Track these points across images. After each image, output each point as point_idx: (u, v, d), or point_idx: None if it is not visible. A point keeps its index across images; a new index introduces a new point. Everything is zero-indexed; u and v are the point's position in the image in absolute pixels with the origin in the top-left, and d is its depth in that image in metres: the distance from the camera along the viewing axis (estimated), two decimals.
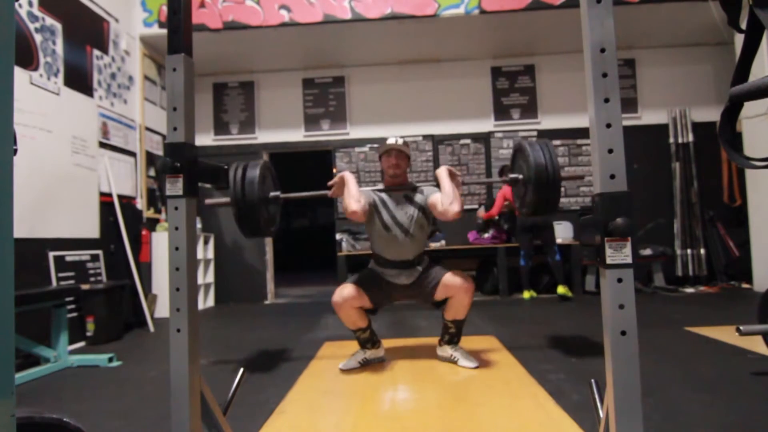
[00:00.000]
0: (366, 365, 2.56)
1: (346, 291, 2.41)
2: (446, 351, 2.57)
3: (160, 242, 4.73)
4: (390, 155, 2.50)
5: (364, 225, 2.58)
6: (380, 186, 2.57)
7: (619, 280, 0.94)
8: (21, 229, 3.14)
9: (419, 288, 2.54)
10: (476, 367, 2.42)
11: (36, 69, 3.40)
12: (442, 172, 2.38)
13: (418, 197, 2.53)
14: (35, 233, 3.29)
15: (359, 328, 2.51)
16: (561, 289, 4.86)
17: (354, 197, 2.32)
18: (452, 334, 2.55)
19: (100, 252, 3.98)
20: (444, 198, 2.31)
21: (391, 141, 2.53)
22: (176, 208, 1.19)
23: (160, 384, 2.43)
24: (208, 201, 2.54)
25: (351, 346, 3.08)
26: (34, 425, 0.85)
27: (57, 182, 3.53)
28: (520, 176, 2.32)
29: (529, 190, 2.21)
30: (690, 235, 5.60)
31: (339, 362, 2.58)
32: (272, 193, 2.40)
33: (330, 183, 2.46)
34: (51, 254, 3.40)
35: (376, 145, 5.62)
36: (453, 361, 2.52)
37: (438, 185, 2.41)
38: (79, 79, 3.90)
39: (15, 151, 0.66)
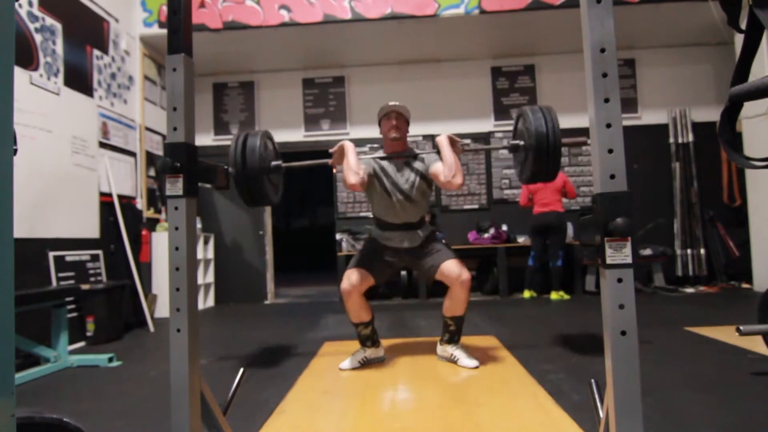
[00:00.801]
0: (366, 365, 2.56)
1: (353, 277, 2.42)
2: (446, 350, 2.57)
3: (160, 242, 4.73)
4: (390, 118, 2.49)
5: (365, 192, 2.57)
6: (381, 153, 2.56)
7: (619, 280, 0.94)
8: (21, 229, 3.14)
9: (419, 260, 2.52)
10: (476, 367, 2.41)
11: (36, 69, 3.39)
12: (443, 140, 2.35)
13: (418, 164, 2.51)
14: (35, 233, 3.29)
15: (362, 321, 2.51)
16: (554, 296, 4.89)
17: (353, 170, 2.30)
18: (452, 332, 2.54)
19: (100, 252, 3.98)
20: (446, 170, 2.30)
21: (391, 103, 2.50)
22: (176, 208, 1.19)
23: (160, 384, 2.43)
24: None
25: (351, 345, 3.08)
26: (34, 425, 0.85)
27: (57, 182, 3.53)
28: (521, 143, 2.23)
29: (530, 157, 2.14)
30: (690, 235, 5.60)
31: (339, 362, 2.58)
32: (274, 162, 2.35)
33: (331, 151, 2.45)
34: (51, 254, 3.40)
35: (376, 145, 5.63)
36: (453, 361, 2.52)
37: (439, 154, 2.38)
38: (79, 79, 3.90)
39: (15, 151, 0.66)
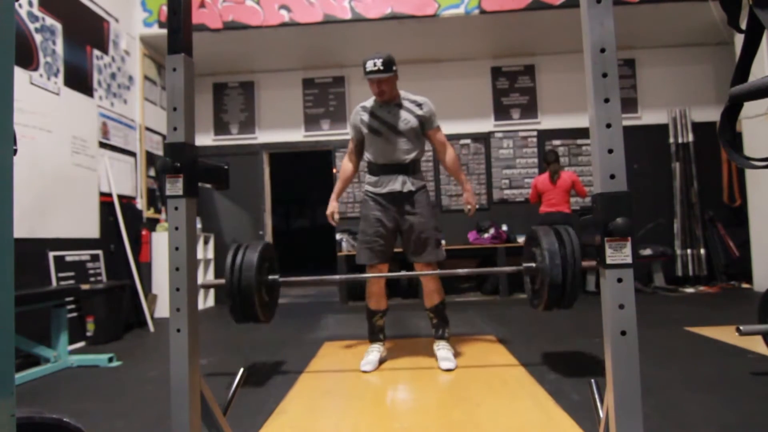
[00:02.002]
0: (382, 363, 2.59)
1: (374, 288, 2.56)
2: (434, 348, 2.61)
3: (160, 242, 4.73)
4: (372, 82, 2.50)
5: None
6: (372, 100, 2.63)
7: (619, 280, 0.94)
8: (21, 229, 3.13)
9: (402, 216, 2.52)
10: (450, 370, 2.41)
11: (36, 69, 3.39)
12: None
13: (415, 108, 2.54)
14: (35, 233, 3.29)
15: (380, 310, 2.59)
16: None
17: (342, 180, 2.67)
18: (436, 325, 2.59)
19: (100, 252, 3.98)
20: (452, 164, 2.61)
21: (369, 66, 2.43)
22: (176, 208, 1.19)
23: (160, 384, 2.43)
24: (201, 283, 2.49)
25: (351, 345, 3.09)
26: (34, 425, 0.85)
27: (57, 182, 3.53)
28: (533, 264, 2.15)
29: (545, 284, 1.98)
30: (690, 235, 5.60)
31: (339, 362, 2.58)
32: (271, 277, 2.35)
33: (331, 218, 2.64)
34: (51, 254, 3.40)
35: None
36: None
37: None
38: (79, 79, 3.90)
39: (15, 151, 0.66)
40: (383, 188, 2.53)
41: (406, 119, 2.50)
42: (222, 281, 2.21)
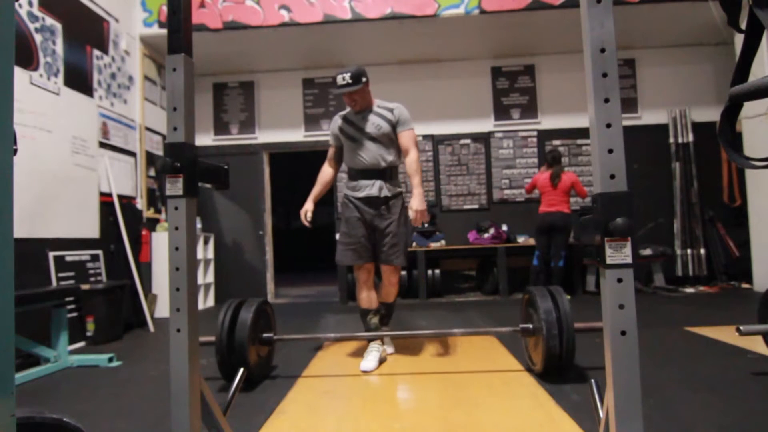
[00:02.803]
0: (382, 363, 2.62)
1: (362, 276, 2.63)
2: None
3: (160, 242, 4.73)
4: (344, 95, 2.57)
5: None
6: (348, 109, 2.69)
7: (619, 280, 0.94)
8: (21, 229, 3.13)
9: (378, 219, 2.58)
10: (389, 354, 2.68)
11: (36, 69, 3.39)
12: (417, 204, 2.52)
13: (388, 115, 2.60)
14: (35, 233, 3.29)
15: (372, 308, 2.64)
16: None
17: (321, 183, 2.74)
18: (382, 317, 2.74)
19: (100, 252, 3.98)
20: (411, 167, 2.56)
21: (339, 81, 2.51)
22: (176, 208, 1.19)
23: (160, 384, 2.43)
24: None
25: (351, 346, 3.08)
26: (34, 425, 0.85)
27: (57, 182, 3.53)
28: (530, 326, 2.33)
29: (540, 344, 2.17)
30: (690, 235, 5.60)
31: (339, 362, 2.58)
32: (265, 335, 2.38)
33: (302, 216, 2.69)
34: (51, 254, 3.40)
35: None
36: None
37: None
38: (79, 79, 3.90)
39: (15, 151, 0.66)
40: (361, 192, 2.60)
41: (379, 125, 2.57)
42: (212, 338, 2.30)
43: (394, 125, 2.59)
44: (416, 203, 2.48)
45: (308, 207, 2.70)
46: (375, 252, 2.63)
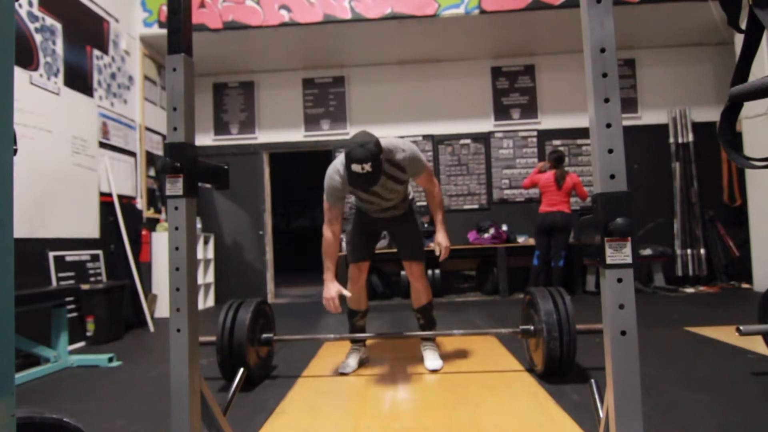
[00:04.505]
0: (363, 365, 2.59)
1: (355, 273, 2.55)
2: (421, 348, 2.65)
3: (160, 242, 4.73)
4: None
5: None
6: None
7: (619, 280, 0.94)
8: (21, 229, 3.13)
9: (395, 224, 2.60)
10: (436, 370, 2.44)
11: (36, 69, 3.39)
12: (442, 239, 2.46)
13: (402, 175, 2.28)
14: (35, 233, 3.29)
15: (360, 310, 2.61)
16: None
17: (330, 256, 2.32)
18: (423, 326, 2.64)
19: (100, 252, 3.98)
20: (434, 203, 2.51)
21: (355, 169, 1.97)
22: (176, 208, 1.19)
23: (160, 384, 2.43)
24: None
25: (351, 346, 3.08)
26: (34, 425, 0.85)
27: (57, 182, 3.53)
28: (531, 327, 2.34)
29: (541, 346, 2.17)
30: (690, 235, 5.60)
31: (339, 362, 2.58)
32: (264, 335, 2.37)
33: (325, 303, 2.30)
34: (51, 254, 3.40)
35: None
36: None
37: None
38: (79, 79, 3.90)
39: (15, 151, 0.66)
40: (372, 215, 2.58)
41: (393, 188, 2.32)
42: (213, 338, 2.30)
43: (409, 178, 2.37)
44: (443, 239, 2.44)
45: (337, 288, 2.26)
46: (372, 251, 2.64)
